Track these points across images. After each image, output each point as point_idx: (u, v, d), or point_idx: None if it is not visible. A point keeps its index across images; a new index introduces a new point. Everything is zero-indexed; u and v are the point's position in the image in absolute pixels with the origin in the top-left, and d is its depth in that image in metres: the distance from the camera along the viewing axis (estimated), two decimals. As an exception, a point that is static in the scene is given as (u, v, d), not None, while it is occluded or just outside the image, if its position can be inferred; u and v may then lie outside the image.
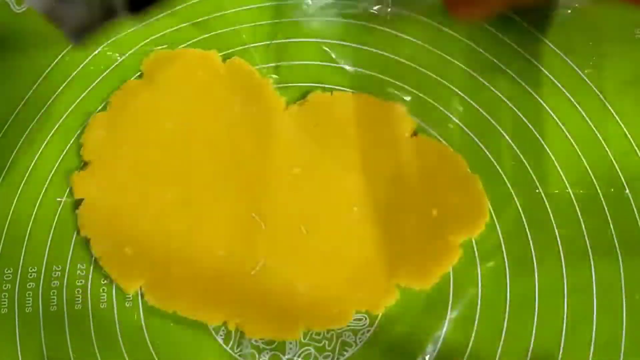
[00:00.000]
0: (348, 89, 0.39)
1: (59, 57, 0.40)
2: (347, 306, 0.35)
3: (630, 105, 0.39)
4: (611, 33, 0.41)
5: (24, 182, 0.38)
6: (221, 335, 0.36)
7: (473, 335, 0.35)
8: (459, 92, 0.40)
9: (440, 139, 0.39)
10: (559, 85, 0.40)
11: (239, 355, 0.35)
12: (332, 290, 0.35)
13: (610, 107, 0.39)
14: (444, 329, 0.35)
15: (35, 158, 0.38)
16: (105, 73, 0.40)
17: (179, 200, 0.37)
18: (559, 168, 0.38)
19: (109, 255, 0.36)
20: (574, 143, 0.39)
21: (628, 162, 0.38)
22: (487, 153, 0.39)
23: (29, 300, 0.36)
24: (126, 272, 0.36)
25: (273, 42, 0.41)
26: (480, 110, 0.39)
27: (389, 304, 0.36)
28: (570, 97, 0.40)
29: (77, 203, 0.37)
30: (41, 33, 0.41)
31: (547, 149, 0.38)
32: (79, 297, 0.36)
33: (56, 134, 0.39)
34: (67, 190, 0.38)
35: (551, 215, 0.37)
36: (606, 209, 0.37)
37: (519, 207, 0.38)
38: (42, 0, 0.24)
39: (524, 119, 0.39)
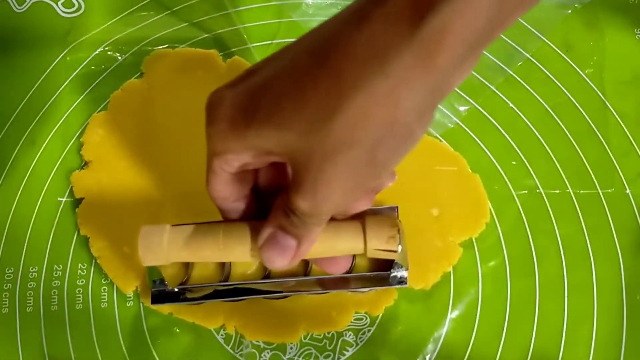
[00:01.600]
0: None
1: (60, 57, 0.40)
2: (346, 308, 0.35)
3: (631, 105, 0.40)
4: (611, 33, 0.41)
5: (24, 181, 0.38)
6: (222, 335, 0.36)
7: (474, 334, 0.35)
8: (459, 92, 0.40)
9: (441, 139, 0.39)
10: (560, 84, 0.40)
11: (240, 355, 0.35)
12: (331, 292, 0.35)
13: (610, 107, 0.39)
14: (445, 329, 0.35)
15: (36, 158, 0.38)
16: (105, 73, 0.40)
17: (179, 200, 0.37)
18: (559, 167, 0.38)
19: (107, 254, 0.36)
20: (574, 142, 0.39)
21: (628, 161, 0.38)
22: (488, 153, 0.39)
23: (30, 299, 0.36)
24: (124, 272, 0.36)
25: (273, 41, 0.41)
26: (481, 110, 0.40)
27: (388, 305, 0.36)
28: (570, 96, 0.40)
29: (78, 202, 0.37)
30: (42, 33, 0.41)
31: (548, 149, 0.39)
32: (79, 296, 0.36)
33: (57, 134, 0.39)
34: (68, 190, 0.38)
35: (551, 215, 0.37)
36: (607, 208, 0.37)
37: (519, 206, 0.38)
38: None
39: (524, 118, 0.39)
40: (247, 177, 0.27)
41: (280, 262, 0.26)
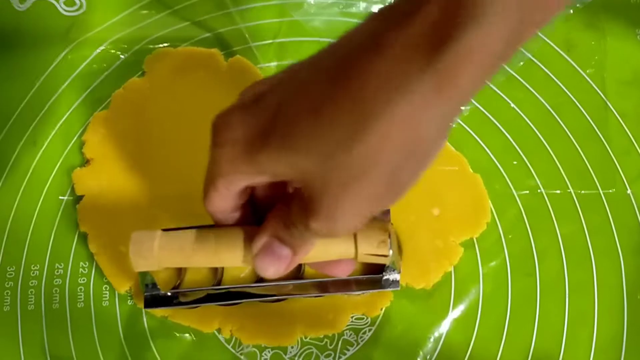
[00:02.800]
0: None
1: (62, 55, 0.40)
2: (342, 311, 0.35)
3: (632, 105, 0.40)
4: (612, 33, 0.41)
5: (26, 180, 0.38)
6: (223, 335, 0.36)
7: (474, 334, 0.35)
8: (461, 92, 0.40)
9: (442, 139, 0.39)
10: (561, 84, 0.40)
11: (241, 354, 0.35)
12: (324, 296, 0.35)
13: (611, 107, 0.39)
14: (446, 328, 0.35)
15: (38, 156, 0.38)
16: (107, 72, 0.40)
17: (178, 200, 0.37)
18: (560, 167, 0.38)
19: (104, 252, 0.36)
20: (575, 142, 0.39)
21: (629, 161, 0.38)
22: (489, 152, 0.39)
23: (32, 298, 0.36)
24: (119, 271, 0.36)
25: (275, 41, 0.41)
26: (482, 109, 0.40)
27: (384, 306, 0.36)
28: (571, 96, 0.40)
29: (79, 201, 0.37)
30: (44, 31, 0.41)
31: (549, 149, 0.39)
32: (81, 295, 0.36)
33: (58, 133, 0.39)
34: (69, 188, 0.38)
35: (552, 214, 0.37)
36: (608, 208, 0.37)
37: (520, 206, 0.38)
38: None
39: (525, 118, 0.39)
40: (246, 190, 0.27)
41: (274, 270, 0.26)
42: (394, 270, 0.33)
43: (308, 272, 0.34)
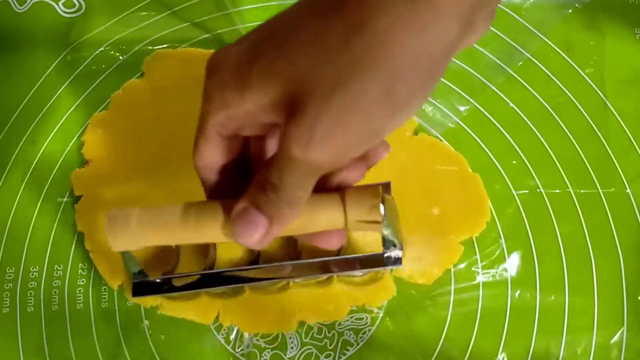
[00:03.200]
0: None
1: (61, 56, 0.40)
2: (343, 302, 0.35)
3: (631, 105, 0.40)
4: (612, 33, 0.41)
5: (25, 181, 0.38)
6: (222, 335, 0.35)
7: (474, 334, 0.35)
8: (460, 92, 0.40)
9: (441, 138, 0.39)
10: (560, 84, 0.40)
11: (240, 355, 0.35)
12: (328, 286, 0.35)
13: (610, 106, 0.39)
14: (445, 328, 0.35)
15: (37, 157, 0.38)
16: (106, 73, 0.40)
17: (177, 200, 0.36)
18: (559, 167, 0.38)
19: (98, 249, 0.36)
20: (574, 142, 0.39)
21: (629, 161, 0.38)
22: (488, 152, 0.39)
23: (31, 299, 0.36)
24: (111, 267, 0.35)
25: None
26: (481, 109, 0.40)
27: (386, 299, 0.36)
28: (571, 96, 0.40)
29: (78, 201, 0.37)
30: (43, 33, 0.41)
31: (548, 148, 0.39)
32: (80, 296, 0.36)
33: (57, 134, 0.39)
34: (69, 190, 0.38)
35: (552, 214, 0.37)
36: (607, 208, 0.37)
37: (519, 206, 0.38)
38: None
39: (525, 118, 0.39)
40: (235, 145, 0.26)
41: (250, 238, 0.24)
42: (395, 247, 0.31)
43: (306, 255, 0.33)
